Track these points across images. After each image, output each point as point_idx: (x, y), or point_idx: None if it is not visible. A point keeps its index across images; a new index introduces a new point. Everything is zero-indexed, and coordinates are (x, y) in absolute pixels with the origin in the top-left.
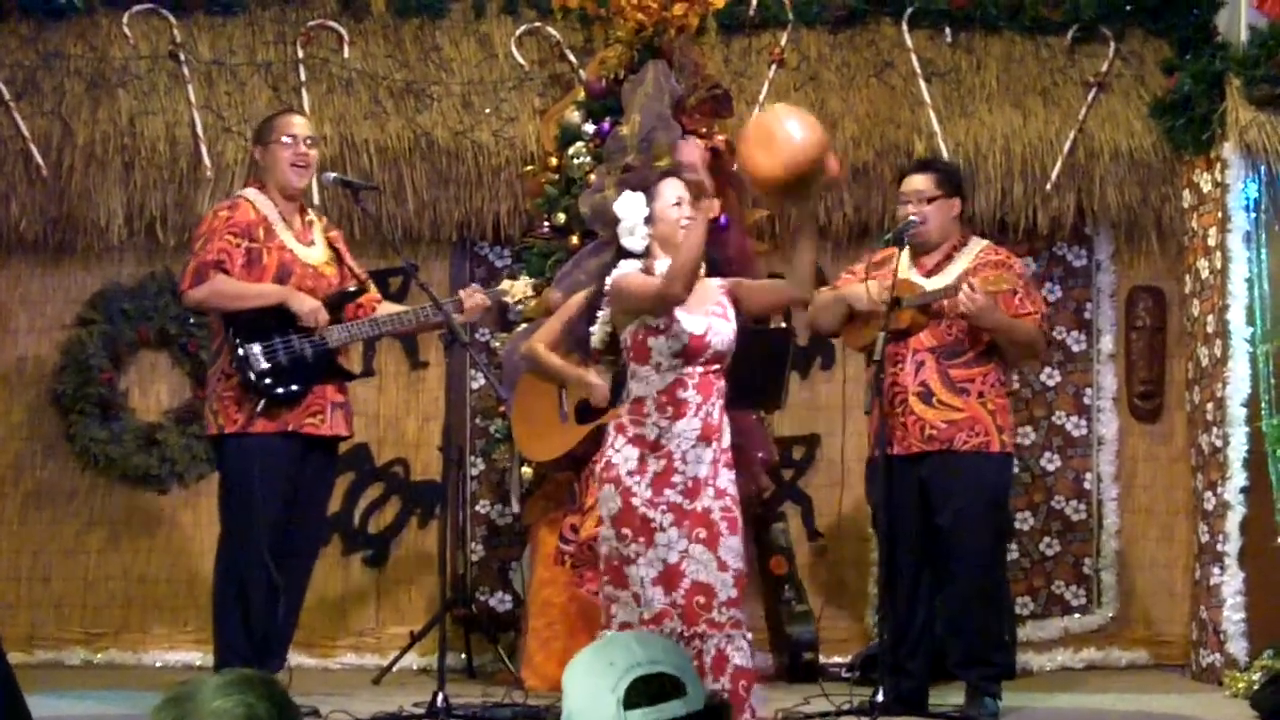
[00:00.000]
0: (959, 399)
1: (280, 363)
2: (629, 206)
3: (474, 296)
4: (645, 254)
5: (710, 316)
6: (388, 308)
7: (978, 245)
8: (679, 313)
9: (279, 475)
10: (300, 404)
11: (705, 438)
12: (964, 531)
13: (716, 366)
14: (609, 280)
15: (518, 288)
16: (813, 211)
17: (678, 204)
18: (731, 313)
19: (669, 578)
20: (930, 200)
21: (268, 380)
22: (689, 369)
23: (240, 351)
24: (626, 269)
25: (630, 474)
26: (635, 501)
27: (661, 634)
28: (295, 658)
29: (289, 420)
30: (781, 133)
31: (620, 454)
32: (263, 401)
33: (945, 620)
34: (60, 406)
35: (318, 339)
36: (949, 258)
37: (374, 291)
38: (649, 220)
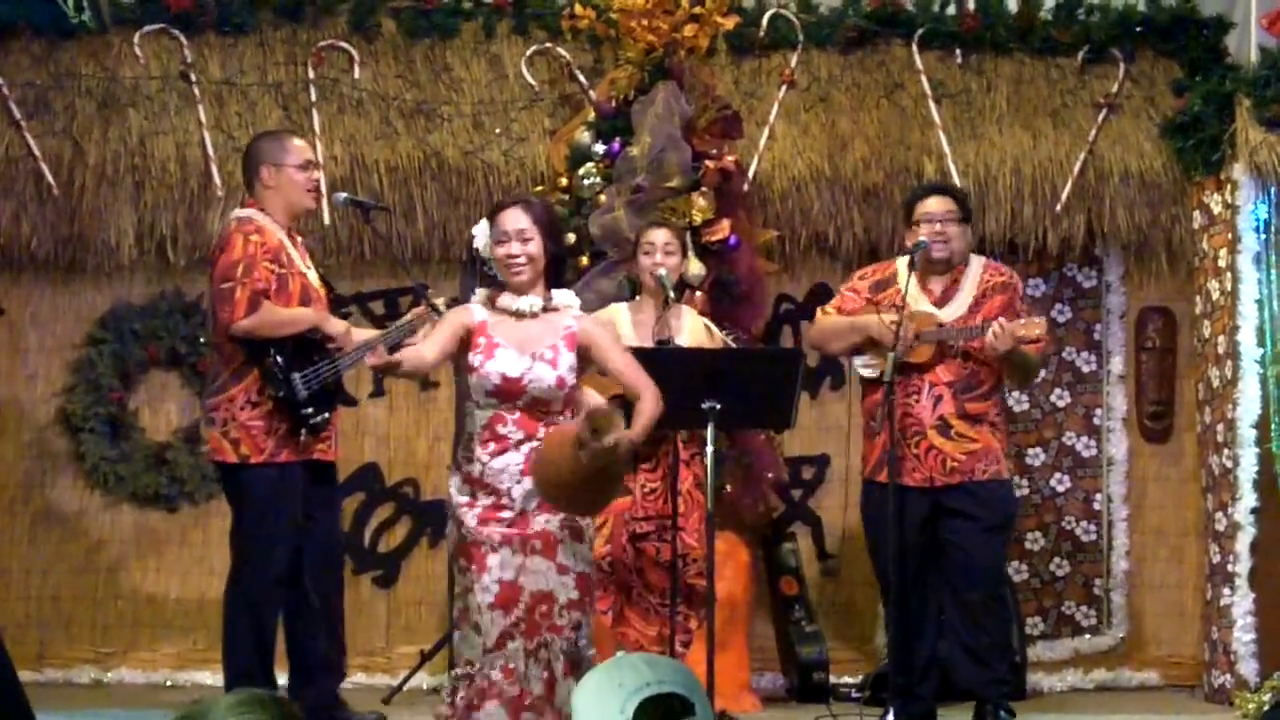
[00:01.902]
0: (974, 429)
1: (314, 390)
2: (479, 234)
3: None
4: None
5: (536, 360)
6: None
7: (978, 265)
8: (500, 351)
9: (298, 502)
10: (326, 431)
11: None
12: (980, 554)
13: (544, 408)
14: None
15: (441, 300)
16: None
17: (503, 240)
18: (565, 359)
19: (507, 597)
20: (958, 222)
21: (309, 409)
22: (505, 406)
23: (284, 381)
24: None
25: (460, 506)
26: (465, 531)
27: (507, 655)
28: None
29: (310, 449)
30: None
31: (454, 488)
32: (304, 431)
33: (956, 640)
34: (70, 425)
35: (335, 364)
36: (955, 283)
37: None
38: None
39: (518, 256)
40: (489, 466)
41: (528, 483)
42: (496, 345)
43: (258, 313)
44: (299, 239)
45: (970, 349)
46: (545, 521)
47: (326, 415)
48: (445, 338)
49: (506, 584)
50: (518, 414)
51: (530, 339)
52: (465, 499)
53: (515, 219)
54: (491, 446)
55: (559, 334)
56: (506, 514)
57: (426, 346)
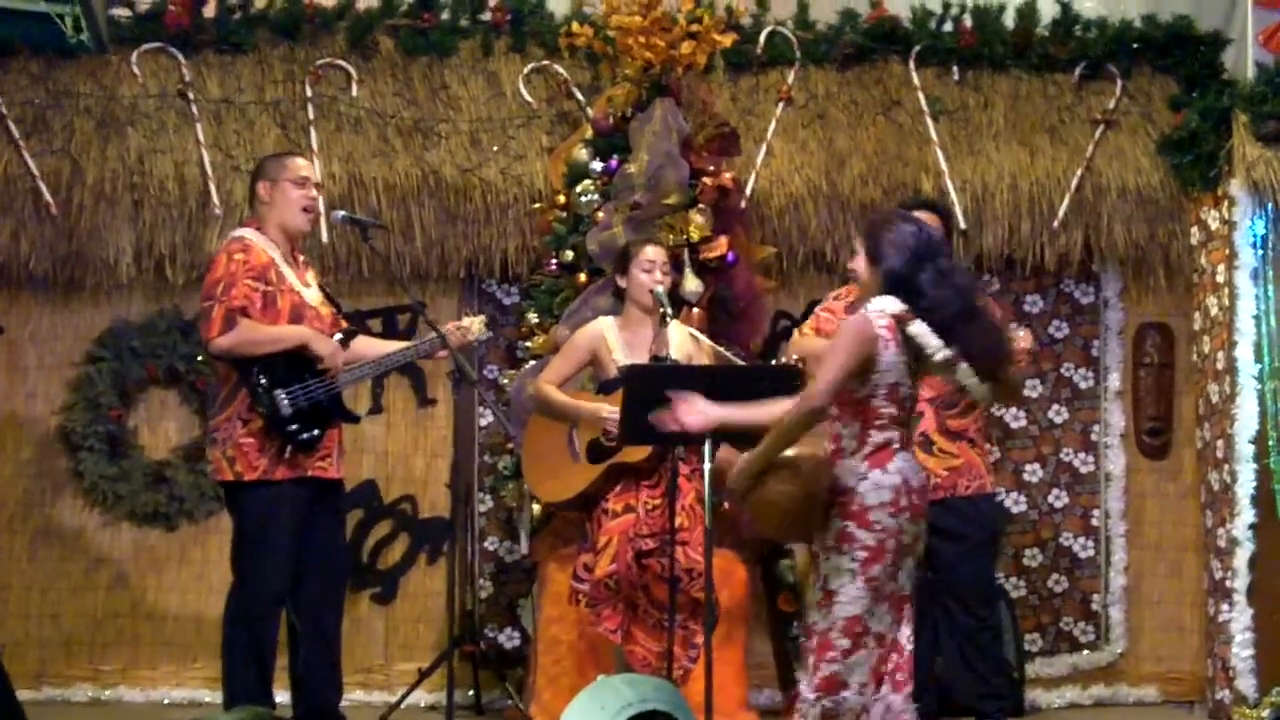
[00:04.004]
0: (955, 445)
1: (301, 407)
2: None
3: (453, 335)
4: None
5: None
6: (364, 344)
7: None
8: None
9: (297, 522)
10: (318, 448)
11: None
12: (968, 570)
13: None
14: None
15: (476, 324)
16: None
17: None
18: None
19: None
20: None
21: (294, 426)
22: None
23: (267, 397)
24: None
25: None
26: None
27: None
28: None
29: (307, 465)
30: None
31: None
32: (289, 448)
33: (952, 657)
34: (69, 444)
35: (329, 382)
36: None
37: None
38: None
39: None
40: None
41: None
42: None
43: (235, 330)
44: (300, 258)
45: None
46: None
47: (316, 432)
48: None
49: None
50: None
51: None
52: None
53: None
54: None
55: None
56: None
57: None
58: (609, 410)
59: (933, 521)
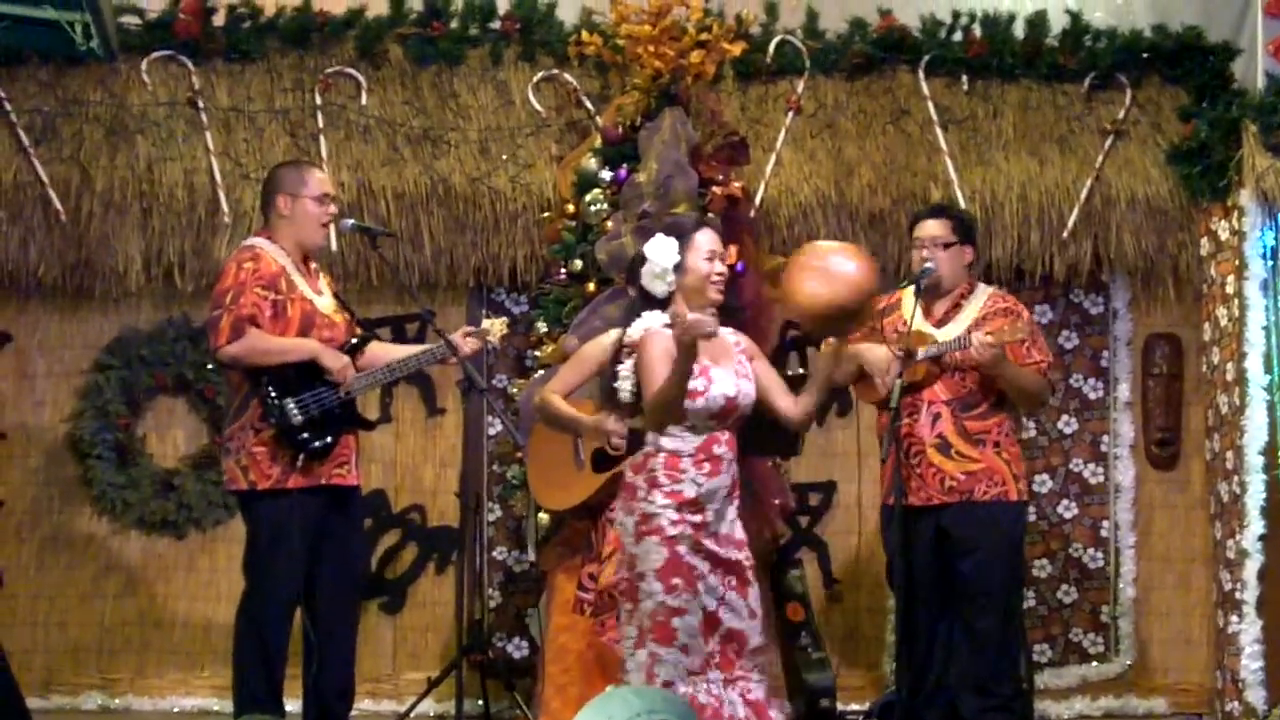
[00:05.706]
0: (976, 450)
1: (313, 415)
2: (660, 251)
3: (468, 340)
4: (668, 302)
5: (739, 378)
6: (378, 349)
7: (985, 293)
8: (714, 372)
9: (310, 530)
10: (330, 456)
11: (731, 493)
12: (983, 579)
13: (737, 424)
14: (633, 333)
15: (496, 326)
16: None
17: (710, 258)
18: (750, 369)
19: (709, 625)
20: (945, 246)
21: (305, 434)
22: (721, 428)
23: (277, 407)
24: (652, 324)
25: (674, 524)
26: (681, 550)
27: (705, 683)
28: None
29: (322, 474)
30: (837, 266)
31: (657, 507)
32: (301, 456)
33: (961, 667)
34: (77, 452)
35: (342, 390)
36: (958, 306)
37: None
38: (678, 268)
39: (723, 274)
40: (705, 487)
41: (726, 504)
42: (708, 367)
43: (242, 339)
44: (313, 266)
45: (957, 360)
46: (734, 550)
47: (329, 440)
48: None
49: (709, 613)
50: (728, 434)
51: (721, 356)
52: (676, 517)
53: (717, 240)
54: (706, 467)
55: (733, 349)
56: (711, 530)
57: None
58: (614, 423)
59: (948, 527)
